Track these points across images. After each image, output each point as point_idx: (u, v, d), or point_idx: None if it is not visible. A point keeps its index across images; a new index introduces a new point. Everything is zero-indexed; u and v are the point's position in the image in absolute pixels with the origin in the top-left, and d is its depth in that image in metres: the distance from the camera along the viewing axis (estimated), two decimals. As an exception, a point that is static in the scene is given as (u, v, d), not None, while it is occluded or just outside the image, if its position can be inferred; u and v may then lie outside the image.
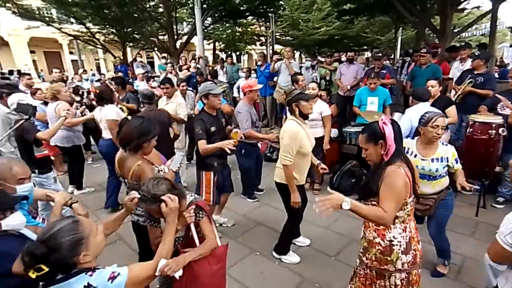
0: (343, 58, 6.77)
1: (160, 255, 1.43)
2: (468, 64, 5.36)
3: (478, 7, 12.14)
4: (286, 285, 2.72)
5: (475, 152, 3.58)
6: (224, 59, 9.60)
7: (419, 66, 5.46)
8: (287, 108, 2.75)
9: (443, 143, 2.47)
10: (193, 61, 8.26)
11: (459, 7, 9.57)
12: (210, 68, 8.35)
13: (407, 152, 2.47)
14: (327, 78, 6.78)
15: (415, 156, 2.44)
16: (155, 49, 12.32)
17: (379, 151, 1.69)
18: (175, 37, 10.97)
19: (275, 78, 6.74)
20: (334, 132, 4.72)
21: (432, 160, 2.39)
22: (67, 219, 1.22)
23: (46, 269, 1.09)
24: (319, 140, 3.81)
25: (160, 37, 11.95)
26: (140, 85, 7.25)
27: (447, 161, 2.40)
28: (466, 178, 3.72)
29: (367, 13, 11.52)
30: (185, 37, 11.79)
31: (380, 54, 6.28)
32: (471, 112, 4.12)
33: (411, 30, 17.50)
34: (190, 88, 6.12)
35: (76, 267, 1.18)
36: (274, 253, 3.09)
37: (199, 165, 3.24)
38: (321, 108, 4.05)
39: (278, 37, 17.09)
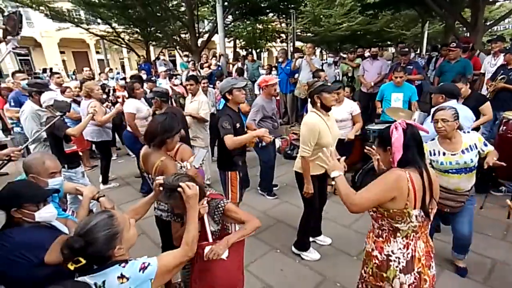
0: (367, 54, 6.57)
1: (186, 243, 1.46)
2: (501, 59, 5.08)
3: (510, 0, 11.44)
4: (307, 283, 2.71)
5: (508, 151, 3.39)
6: (245, 56, 9.63)
7: (448, 61, 5.23)
8: (309, 100, 2.73)
9: (464, 132, 2.39)
10: (213, 58, 8.34)
11: (491, 0, 9.10)
12: (235, 65, 8.38)
13: (434, 154, 2.40)
14: (349, 74, 6.63)
15: (444, 154, 2.36)
16: (177, 47, 12.55)
17: (388, 157, 1.56)
18: (197, 35, 11.12)
19: (296, 75, 6.68)
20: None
21: (463, 151, 2.30)
22: (103, 214, 1.27)
23: (84, 262, 1.16)
24: (347, 142, 3.78)
25: (182, 36, 12.16)
26: (163, 83, 7.40)
27: (476, 147, 2.32)
28: (499, 178, 3.55)
29: (392, 7, 11.16)
30: (206, 35, 11.94)
31: (407, 49, 6.06)
32: (504, 109, 3.91)
33: (438, 24, 16.75)
34: (211, 86, 6.19)
35: (111, 259, 1.24)
36: (293, 249, 3.08)
37: (224, 166, 3.18)
38: (350, 107, 3.92)
39: (299, 33, 16.86)
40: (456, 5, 8.45)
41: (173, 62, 16.48)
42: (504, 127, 3.55)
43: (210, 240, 1.74)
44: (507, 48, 4.90)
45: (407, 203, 1.46)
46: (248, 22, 15.12)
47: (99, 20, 13.32)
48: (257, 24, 15.82)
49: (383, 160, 1.65)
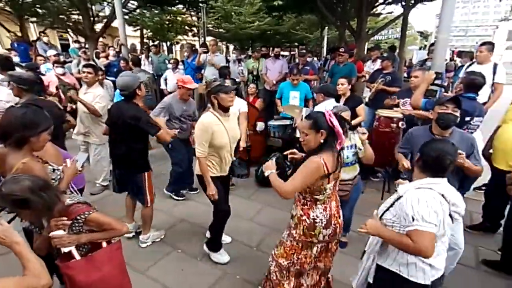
0: (272, 54, 6.91)
1: (33, 275, 1.23)
2: (378, 64, 5.96)
3: (391, 12, 13.32)
4: (207, 279, 2.69)
5: (380, 143, 3.99)
6: (149, 47, 9.00)
7: (338, 64, 5.89)
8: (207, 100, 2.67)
9: (353, 133, 2.72)
10: (111, 48, 7.50)
11: (374, 12, 10.55)
12: (133, 56, 7.73)
13: None
14: (254, 73, 6.84)
15: None
16: (68, 30, 10.73)
17: (319, 138, 1.85)
18: (92, 18, 9.72)
19: (202, 71, 6.57)
20: (260, 126, 4.80)
21: (343, 148, 2.59)
22: None
23: None
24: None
25: (74, 17, 10.48)
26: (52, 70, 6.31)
27: (355, 148, 2.70)
28: (374, 166, 4.14)
29: (295, 11, 11.97)
30: (105, 20, 10.59)
31: (304, 51, 6.58)
32: (381, 108, 4.56)
33: (335, 30, 18.78)
34: (111, 78, 5.56)
35: None
36: (205, 247, 2.99)
37: (140, 168, 2.89)
38: (238, 105, 3.72)
39: (211, 28, 16.71)
40: (346, 15, 9.56)
41: (66, 46, 14.14)
42: (377, 123, 4.16)
43: (77, 257, 1.63)
44: (383, 55, 5.75)
45: (323, 182, 1.86)
46: (156, 11, 14.17)
47: None
48: (165, 15, 14.97)
49: (313, 140, 1.87)
